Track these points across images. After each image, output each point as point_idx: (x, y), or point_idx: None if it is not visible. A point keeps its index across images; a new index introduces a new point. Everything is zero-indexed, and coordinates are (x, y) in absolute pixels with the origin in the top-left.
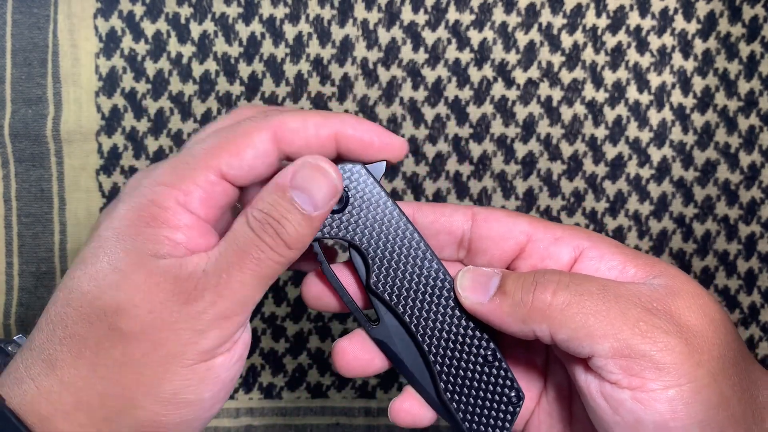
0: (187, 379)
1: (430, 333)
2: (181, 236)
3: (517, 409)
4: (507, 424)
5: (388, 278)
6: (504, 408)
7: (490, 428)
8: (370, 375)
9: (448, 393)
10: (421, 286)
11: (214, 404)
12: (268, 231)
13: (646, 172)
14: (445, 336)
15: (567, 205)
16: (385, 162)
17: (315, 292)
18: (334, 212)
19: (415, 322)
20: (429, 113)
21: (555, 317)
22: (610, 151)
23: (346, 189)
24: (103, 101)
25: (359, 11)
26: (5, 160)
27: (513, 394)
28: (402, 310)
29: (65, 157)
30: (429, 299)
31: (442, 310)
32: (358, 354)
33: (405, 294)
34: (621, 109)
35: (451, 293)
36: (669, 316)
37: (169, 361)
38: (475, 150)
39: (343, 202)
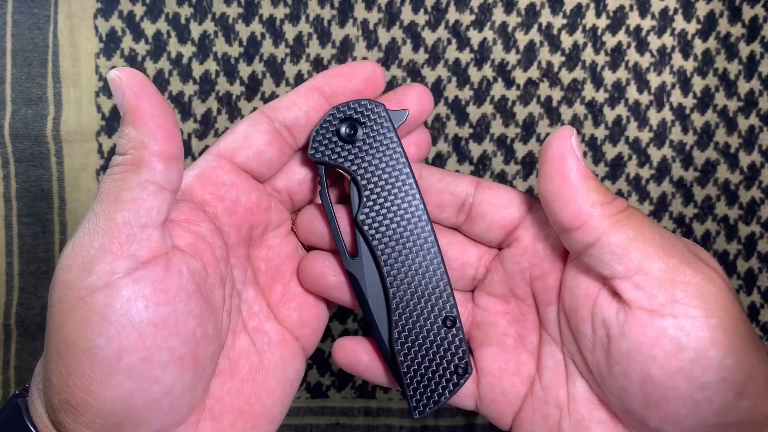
0: (71, 321)
1: (399, 282)
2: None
3: (461, 381)
4: (447, 393)
5: (377, 217)
6: (449, 376)
7: (429, 391)
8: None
9: (399, 344)
10: (404, 234)
11: (120, 354)
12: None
13: (645, 172)
14: (413, 288)
15: None
16: (407, 110)
17: (308, 218)
18: (343, 141)
19: (389, 267)
20: None
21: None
22: (610, 151)
23: (360, 121)
24: (104, 101)
25: (359, 11)
26: (5, 160)
27: (462, 365)
28: (380, 252)
29: (65, 157)
30: (408, 249)
31: (417, 264)
32: (359, 353)
33: (387, 238)
34: (621, 109)
35: (431, 250)
36: (706, 261)
37: (61, 301)
38: (475, 150)
39: (354, 132)
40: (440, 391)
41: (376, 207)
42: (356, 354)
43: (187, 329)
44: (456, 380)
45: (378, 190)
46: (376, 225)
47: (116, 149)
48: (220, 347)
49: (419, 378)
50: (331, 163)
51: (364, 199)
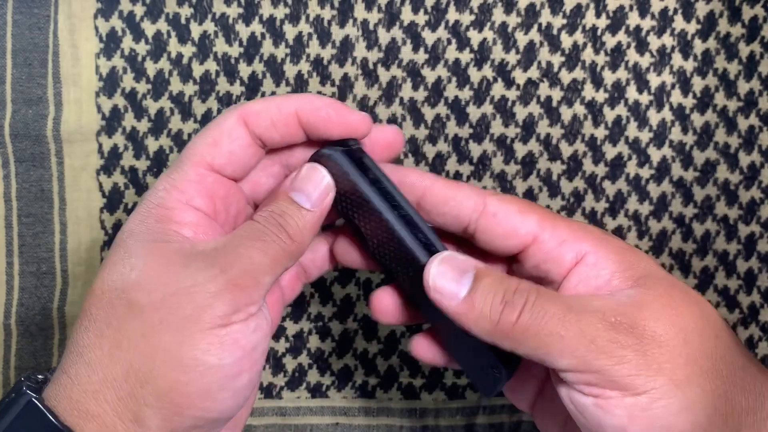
0: (205, 342)
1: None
2: (189, 231)
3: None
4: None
5: (380, 251)
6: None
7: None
8: (402, 323)
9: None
10: (405, 262)
11: (239, 373)
12: (272, 223)
13: (645, 172)
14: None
15: (567, 205)
16: (358, 140)
17: (343, 245)
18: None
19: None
20: (429, 113)
21: (517, 338)
22: (610, 152)
23: (330, 173)
24: (104, 101)
25: (359, 11)
26: (5, 160)
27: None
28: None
29: (65, 157)
30: (414, 274)
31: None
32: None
33: (397, 267)
34: (621, 110)
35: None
36: (630, 329)
37: (186, 326)
38: (475, 150)
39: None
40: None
41: (374, 242)
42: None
43: (263, 357)
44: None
45: (367, 227)
46: (383, 257)
47: (287, 227)
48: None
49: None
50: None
51: (364, 236)
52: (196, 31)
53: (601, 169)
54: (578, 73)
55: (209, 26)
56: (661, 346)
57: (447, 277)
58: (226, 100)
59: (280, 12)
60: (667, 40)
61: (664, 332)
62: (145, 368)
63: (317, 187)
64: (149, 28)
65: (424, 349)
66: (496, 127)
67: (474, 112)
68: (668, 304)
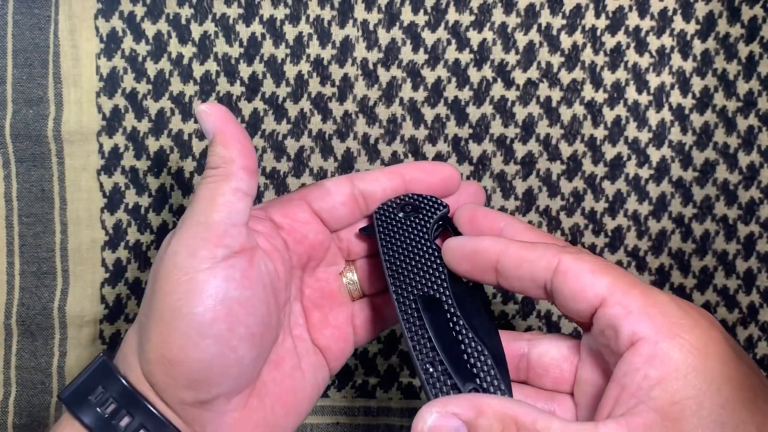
0: (178, 292)
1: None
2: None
3: None
4: None
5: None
6: None
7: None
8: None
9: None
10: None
11: (213, 320)
12: (206, 171)
13: (645, 173)
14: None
15: (566, 205)
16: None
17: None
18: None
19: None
20: (429, 114)
21: None
22: (609, 152)
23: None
24: (104, 102)
25: (359, 12)
26: (6, 160)
27: None
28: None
29: (66, 157)
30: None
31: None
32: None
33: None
34: (620, 110)
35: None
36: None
37: (168, 278)
38: (475, 150)
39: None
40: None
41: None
42: None
43: (260, 312)
44: None
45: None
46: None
47: (208, 164)
48: (275, 339)
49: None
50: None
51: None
52: (196, 31)
53: (600, 169)
54: (578, 74)
55: (209, 27)
56: None
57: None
58: (227, 101)
59: (281, 12)
60: (667, 40)
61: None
62: (146, 325)
63: (209, 118)
64: (150, 29)
65: None
66: (496, 128)
67: (474, 113)
68: None
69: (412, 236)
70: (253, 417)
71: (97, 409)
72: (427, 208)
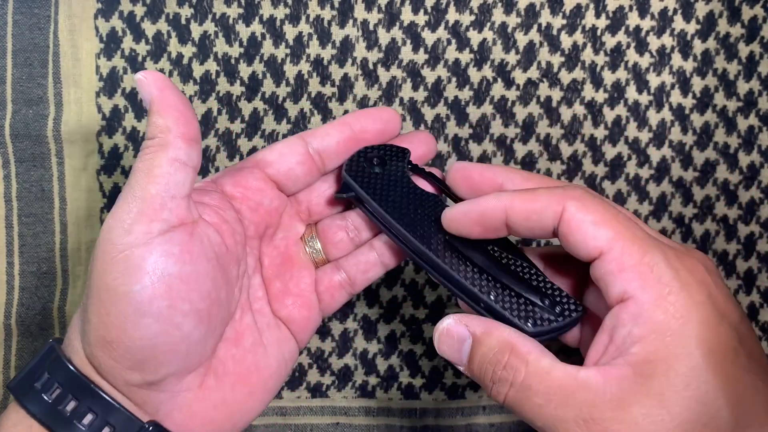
0: (113, 270)
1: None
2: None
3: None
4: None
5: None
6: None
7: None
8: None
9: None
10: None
11: (151, 298)
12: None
13: (645, 173)
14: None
15: None
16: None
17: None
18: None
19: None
20: (429, 113)
21: (512, 409)
22: (610, 152)
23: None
24: (104, 101)
25: (359, 12)
26: (6, 160)
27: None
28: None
29: (66, 157)
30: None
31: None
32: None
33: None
34: (620, 110)
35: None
36: (610, 424)
37: (105, 255)
38: (475, 150)
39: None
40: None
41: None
42: None
43: (204, 288)
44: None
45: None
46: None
47: (146, 135)
48: (230, 315)
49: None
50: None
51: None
52: (196, 31)
53: (600, 169)
54: (578, 74)
55: (209, 26)
56: None
57: (449, 347)
58: (227, 100)
59: (281, 12)
60: (667, 40)
61: (647, 429)
62: (86, 306)
63: (145, 87)
64: (149, 29)
65: None
66: (496, 127)
67: (474, 112)
68: (659, 403)
69: (399, 186)
70: (211, 397)
71: (43, 395)
72: (395, 156)
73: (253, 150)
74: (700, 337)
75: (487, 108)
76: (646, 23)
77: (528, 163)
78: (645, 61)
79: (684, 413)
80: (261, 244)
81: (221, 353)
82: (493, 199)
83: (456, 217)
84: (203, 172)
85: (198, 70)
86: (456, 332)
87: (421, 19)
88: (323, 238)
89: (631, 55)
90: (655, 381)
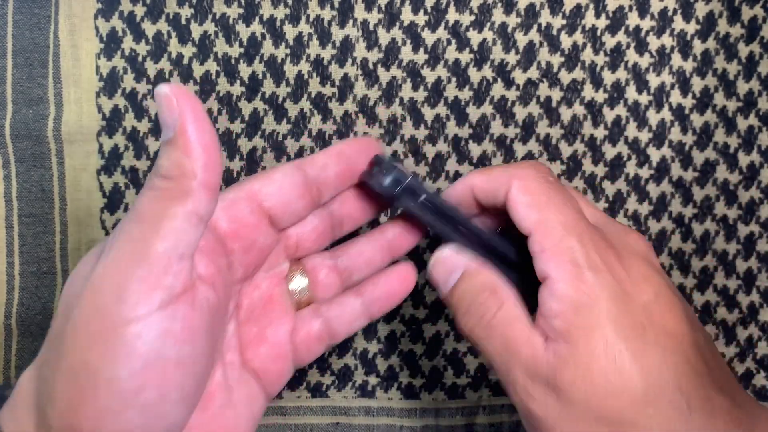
0: (96, 350)
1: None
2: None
3: None
4: None
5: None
6: None
7: None
8: None
9: None
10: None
11: (141, 387)
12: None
13: (645, 172)
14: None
15: None
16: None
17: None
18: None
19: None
20: (429, 113)
21: (472, 341)
22: (609, 152)
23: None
24: (104, 101)
25: (359, 12)
26: (6, 160)
27: None
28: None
29: (66, 157)
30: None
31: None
32: None
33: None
34: (620, 110)
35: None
36: (546, 384)
37: (88, 325)
38: (475, 150)
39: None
40: None
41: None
42: None
43: (199, 369)
44: None
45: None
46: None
47: (159, 169)
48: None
49: None
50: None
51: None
52: (196, 31)
53: (600, 169)
54: (578, 74)
55: (209, 26)
56: (570, 404)
57: (439, 273)
58: (227, 101)
59: (281, 12)
60: (667, 40)
61: (573, 394)
62: (50, 381)
63: (171, 108)
64: (150, 29)
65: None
66: (496, 128)
67: (474, 113)
68: (585, 371)
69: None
70: None
71: None
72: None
73: (253, 150)
74: (609, 312)
75: (487, 108)
76: (646, 23)
77: None
78: (645, 61)
79: (603, 382)
80: (242, 285)
81: (190, 421)
82: (460, 182)
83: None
84: None
85: (198, 70)
86: (452, 262)
87: (421, 19)
88: (312, 276)
89: (631, 55)
90: (581, 348)
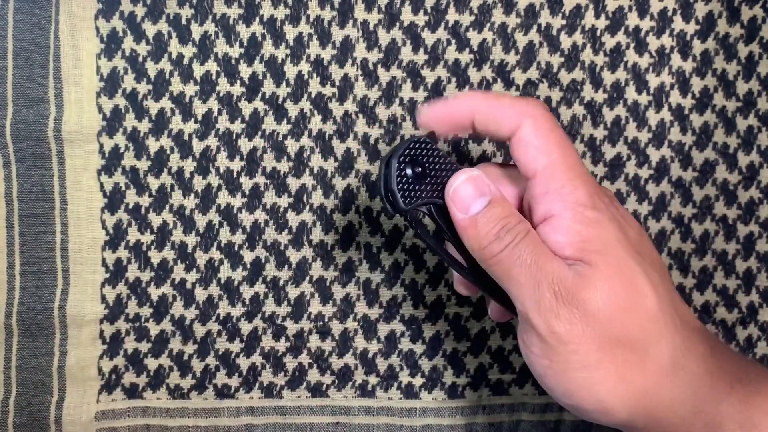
0: None
1: None
2: None
3: None
4: None
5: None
6: None
7: None
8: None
9: None
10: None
11: None
12: None
13: (644, 173)
14: None
15: None
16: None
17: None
18: (417, 182)
19: None
20: None
21: (492, 267)
22: (609, 152)
23: (423, 160)
24: (105, 102)
25: (359, 12)
26: (7, 160)
27: None
28: None
29: (67, 157)
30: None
31: None
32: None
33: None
34: (620, 110)
35: None
36: (568, 302)
37: None
38: (475, 150)
39: (421, 168)
40: None
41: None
42: None
43: None
44: None
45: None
46: None
47: None
48: None
49: None
50: (420, 205)
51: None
52: (196, 31)
53: (600, 169)
54: (577, 74)
55: (210, 27)
56: (593, 320)
57: (466, 192)
58: (227, 101)
59: (281, 13)
60: (666, 40)
61: (601, 307)
62: None
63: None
64: (150, 29)
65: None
66: None
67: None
68: (608, 287)
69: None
70: None
71: None
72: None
73: (253, 150)
74: (617, 237)
75: None
76: (646, 23)
77: None
78: (644, 61)
79: (624, 298)
80: None
81: None
82: (464, 98)
83: (430, 113)
84: (203, 172)
85: (198, 71)
86: (483, 185)
87: (421, 19)
88: None
89: (631, 56)
90: (601, 267)
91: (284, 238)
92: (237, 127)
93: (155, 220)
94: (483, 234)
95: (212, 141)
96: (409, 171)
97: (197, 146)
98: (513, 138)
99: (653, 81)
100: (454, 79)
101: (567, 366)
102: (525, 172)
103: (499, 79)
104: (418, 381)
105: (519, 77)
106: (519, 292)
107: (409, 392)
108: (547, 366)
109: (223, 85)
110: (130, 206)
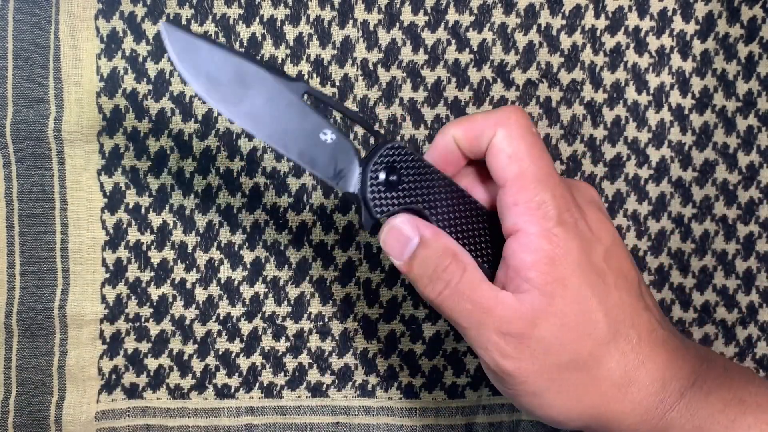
0: None
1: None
2: None
3: None
4: None
5: (445, 224)
6: None
7: None
8: None
9: None
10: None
11: None
12: None
13: (644, 173)
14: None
15: None
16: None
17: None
18: (390, 189)
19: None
20: (429, 114)
21: (437, 307)
22: (609, 152)
23: (397, 166)
24: (105, 102)
25: (359, 12)
26: (7, 160)
27: None
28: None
29: (67, 157)
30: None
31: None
32: None
33: (462, 239)
34: (620, 110)
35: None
36: (521, 342)
37: None
38: None
39: (396, 175)
40: None
41: (440, 218)
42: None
43: None
44: None
45: (436, 206)
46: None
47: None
48: None
49: None
50: (396, 212)
51: (430, 218)
52: (197, 31)
53: (600, 169)
54: (577, 74)
55: (210, 27)
56: (546, 354)
57: (395, 242)
58: None
59: (281, 13)
60: (666, 40)
61: (548, 346)
62: None
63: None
64: (150, 29)
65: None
66: None
67: (474, 113)
68: (560, 321)
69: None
70: None
71: None
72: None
73: (253, 150)
74: (579, 261)
75: (487, 108)
76: (646, 24)
77: None
78: (644, 61)
79: (577, 326)
80: None
81: None
82: (441, 135)
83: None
84: (203, 172)
85: None
86: (407, 231)
87: (421, 19)
88: None
89: (631, 56)
90: (557, 299)
91: (284, 238)
92: (237, 127)
93: (155, 220)
94: (419, 278)
95: (212, 141)
96: (382, 177)
97: (197, 146)
98: (488, 147)
99: (653, 81)
100: (454, 79)
101: (517, 393)
102: (496, 180)
103: (499, 79)
104: (418, 381)
105: (519, 77)
106: (465, 334)
107: (409, 392)
108: (501, 389)
109: None
110: (130, 206)
